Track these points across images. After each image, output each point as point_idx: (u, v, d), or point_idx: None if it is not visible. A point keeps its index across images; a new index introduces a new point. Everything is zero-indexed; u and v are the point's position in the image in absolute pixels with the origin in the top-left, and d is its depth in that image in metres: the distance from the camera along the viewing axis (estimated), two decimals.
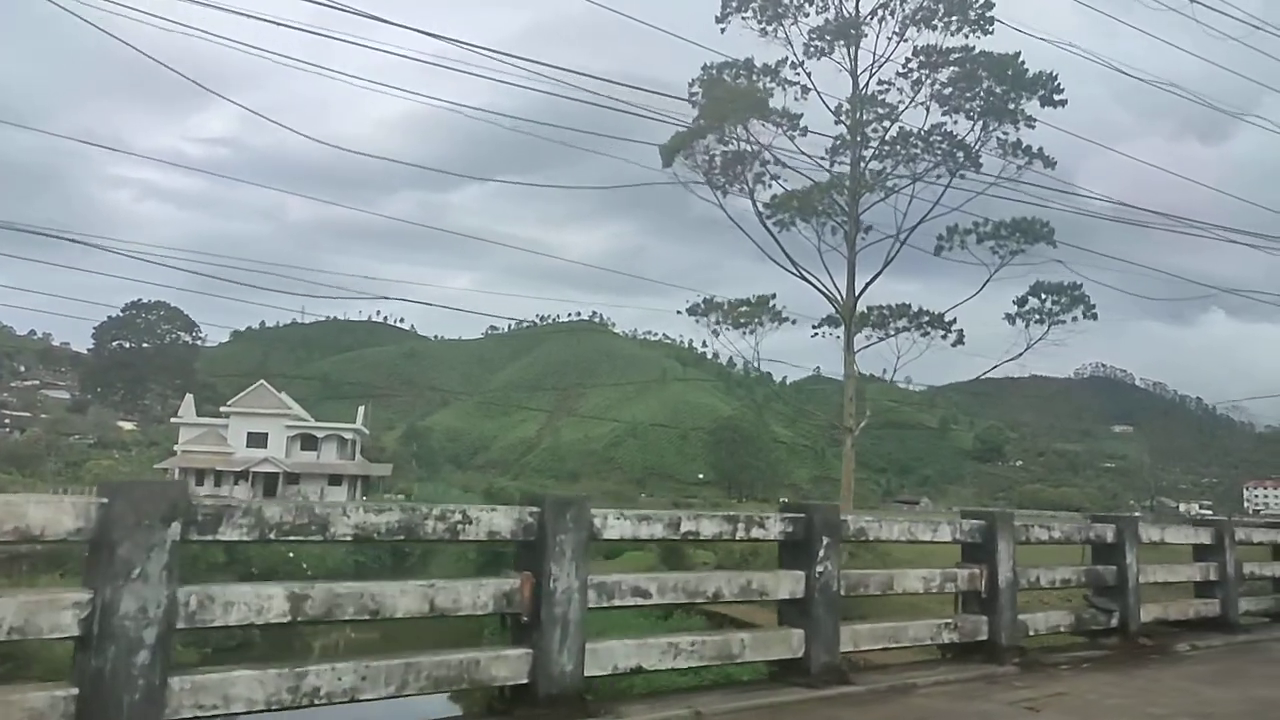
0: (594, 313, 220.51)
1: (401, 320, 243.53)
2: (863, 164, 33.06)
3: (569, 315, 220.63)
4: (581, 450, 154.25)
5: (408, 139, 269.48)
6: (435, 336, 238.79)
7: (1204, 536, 10.34)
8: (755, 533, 6.34)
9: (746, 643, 6.11)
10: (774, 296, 33.61)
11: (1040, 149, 31.87)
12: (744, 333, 33.49)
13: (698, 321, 34.42)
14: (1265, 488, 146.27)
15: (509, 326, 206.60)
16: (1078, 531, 9.02)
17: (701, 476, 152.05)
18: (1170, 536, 10.14)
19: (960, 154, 32.47)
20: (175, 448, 65.95)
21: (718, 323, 33.59)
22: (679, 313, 35.13)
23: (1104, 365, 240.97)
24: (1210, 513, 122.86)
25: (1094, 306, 32.28)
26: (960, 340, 33.28)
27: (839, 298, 33.17)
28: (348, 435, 69.43)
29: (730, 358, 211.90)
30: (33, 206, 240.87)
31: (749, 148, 32.42)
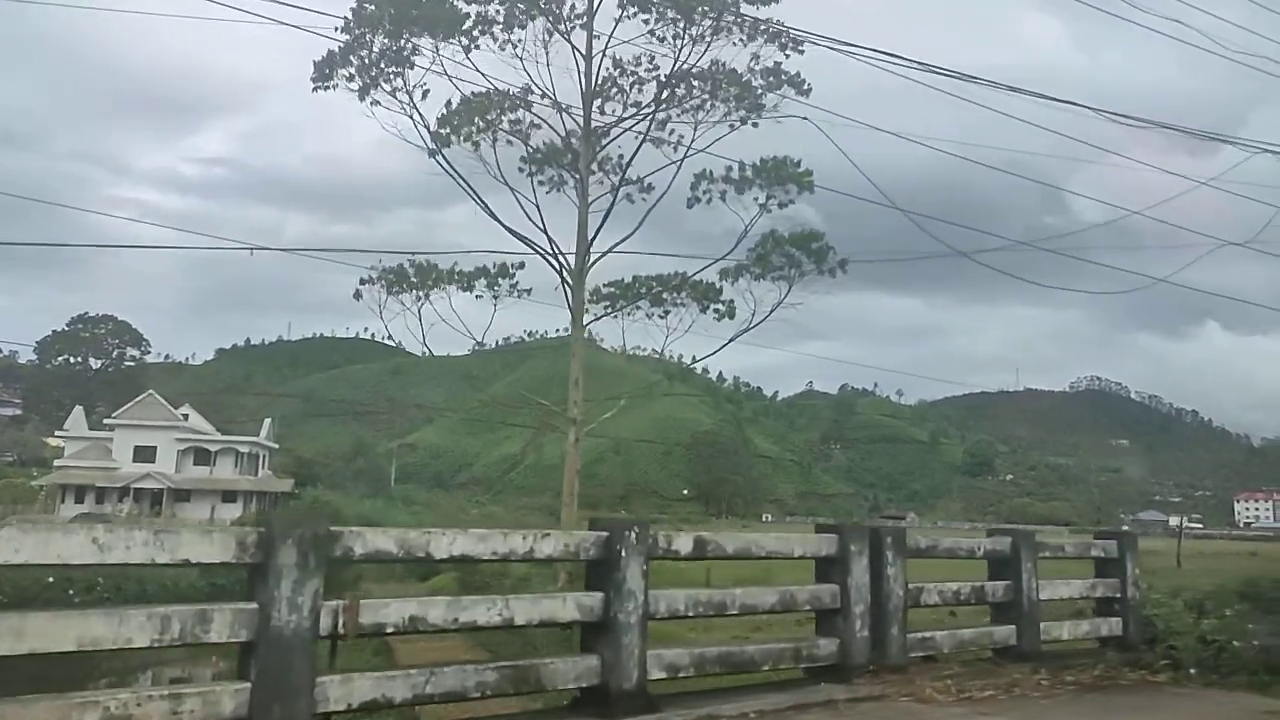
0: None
1: (389, 336, 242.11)
2: (599, 99, 28.08)
3: (557, 331, 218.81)
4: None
5: (397, 156, 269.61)
6: (422, 353, 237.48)
7: (481, 547, 5.46)
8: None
9: None
10: (520, 267, 29.12)
11: (798, 74, 26.52)
12: (415, 301, 28.43)
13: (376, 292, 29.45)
14: (1256, 500, 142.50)
15: (497, 343, 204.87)
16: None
17: (686, 493, 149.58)
18: (381, 543, 5.12)
19: (696, 81, 27.12)
20: (56, 463, 63.25)
21: (373, 282, 28.40)
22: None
23: (1098, 378, 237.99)
24: (1200, 526, 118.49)
25: (845, 263, 27.52)
26: (730, 313, 28.87)
27: (566, 262, 28.69)
28: (244, 449, 66.88)
29: (720, 372, 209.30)
30: (23, 226, 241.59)
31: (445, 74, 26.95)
